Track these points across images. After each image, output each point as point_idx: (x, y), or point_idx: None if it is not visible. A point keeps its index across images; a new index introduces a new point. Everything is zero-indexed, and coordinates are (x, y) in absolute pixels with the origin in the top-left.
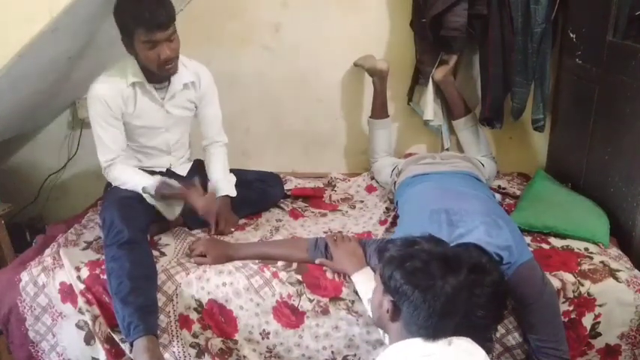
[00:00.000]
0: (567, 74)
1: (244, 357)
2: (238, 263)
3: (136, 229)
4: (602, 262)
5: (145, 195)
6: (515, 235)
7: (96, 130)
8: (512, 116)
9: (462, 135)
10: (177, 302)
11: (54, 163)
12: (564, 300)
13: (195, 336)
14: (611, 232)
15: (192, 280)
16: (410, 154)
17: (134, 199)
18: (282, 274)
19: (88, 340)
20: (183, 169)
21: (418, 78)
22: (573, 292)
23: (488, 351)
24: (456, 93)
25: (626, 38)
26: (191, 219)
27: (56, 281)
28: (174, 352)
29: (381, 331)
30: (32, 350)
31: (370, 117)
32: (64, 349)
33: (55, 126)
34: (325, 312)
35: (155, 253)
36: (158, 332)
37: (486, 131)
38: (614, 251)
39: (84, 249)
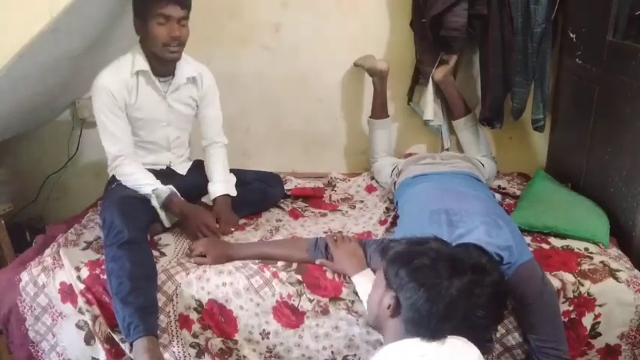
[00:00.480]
0: (567, 74)
1: (244, 357)
2: (238, 263)
3: (136, 229)
4: (602, 262)
5: (153, 195)
6: (515, 235)
7: (101, 120)
8: (512, 116)
9: (462, 135)
10: (177, 302)
11: (54, 163)
12: (564, 300)
13: (195, 336)
14: (611, 232)
15: (192, 280)
16: (410, 154)
17: (134, 198)
18: (282, 274)
19: (88, 340)
20: (182, 168)
21: (418, 78)
22: (573, 292)
23: (489, 351)
24: (455, 93)
25: (626, 38)
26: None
27: (56, 281)
28: (174, 352)
29: None
30: (32, 350)
31: (370, 117)
32: (64, 349)
33: (55, 126)
34: (325, 312)
35: (155, 253)
36: (158, 332)
37: (486, 131)
38: (614, 251)
39: (84, 249)
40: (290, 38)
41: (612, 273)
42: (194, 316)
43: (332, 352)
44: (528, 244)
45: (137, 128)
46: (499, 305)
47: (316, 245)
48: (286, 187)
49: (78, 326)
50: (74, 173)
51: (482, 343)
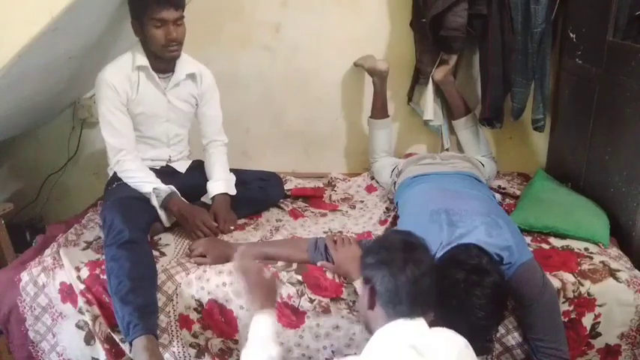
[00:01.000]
0: (567, 74)
1: None
2: None
3: (136, 229)
4: (602, 262)
5: (153, 193)
6: (515, 235)
7: (104, 114)
8: (512, 116)
9: (462, 135)
10: (177, 302)
11: (54, 163)
12: (564, 300)
13: (195, 336)
14: (611, 232)
15: (192, 280)
16: (410, 154)
17: (135, 199)
18: (283, 274)
19: (88, 340)
20: (182, 166)
21: (418, 78)
22: (573, 292)
23: (489, 351)
24: (455, 93)
25: (626, 38)
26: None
27: (56, 281)
28: (174, 352)
29: None
30: (32, 350)
31: (370, 117)
32: (64, 349)
33: (55, 126)
34: (326, 311)
35: (155, 253)
36: (158, 332)
37: (486, 131)
38: (614, 251)
39: (84, 249)
40: (290, 38)
41: (612, 273)
42: (194, 316)
43: (332, 352)
44: (528, 244)
45: (137, 123)
46: (499, 306)
47: (316, 246)
48: (286, 187)
49: (78, 326)
50: (74, 173)
51: (483, 343)
